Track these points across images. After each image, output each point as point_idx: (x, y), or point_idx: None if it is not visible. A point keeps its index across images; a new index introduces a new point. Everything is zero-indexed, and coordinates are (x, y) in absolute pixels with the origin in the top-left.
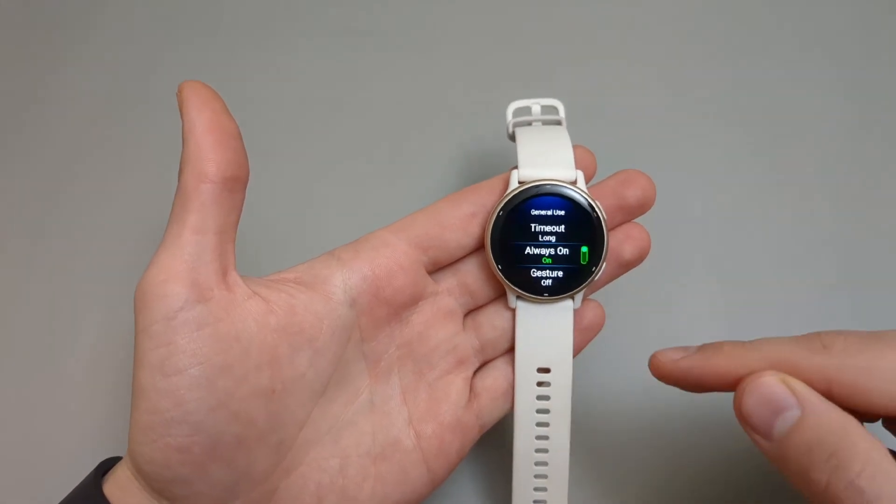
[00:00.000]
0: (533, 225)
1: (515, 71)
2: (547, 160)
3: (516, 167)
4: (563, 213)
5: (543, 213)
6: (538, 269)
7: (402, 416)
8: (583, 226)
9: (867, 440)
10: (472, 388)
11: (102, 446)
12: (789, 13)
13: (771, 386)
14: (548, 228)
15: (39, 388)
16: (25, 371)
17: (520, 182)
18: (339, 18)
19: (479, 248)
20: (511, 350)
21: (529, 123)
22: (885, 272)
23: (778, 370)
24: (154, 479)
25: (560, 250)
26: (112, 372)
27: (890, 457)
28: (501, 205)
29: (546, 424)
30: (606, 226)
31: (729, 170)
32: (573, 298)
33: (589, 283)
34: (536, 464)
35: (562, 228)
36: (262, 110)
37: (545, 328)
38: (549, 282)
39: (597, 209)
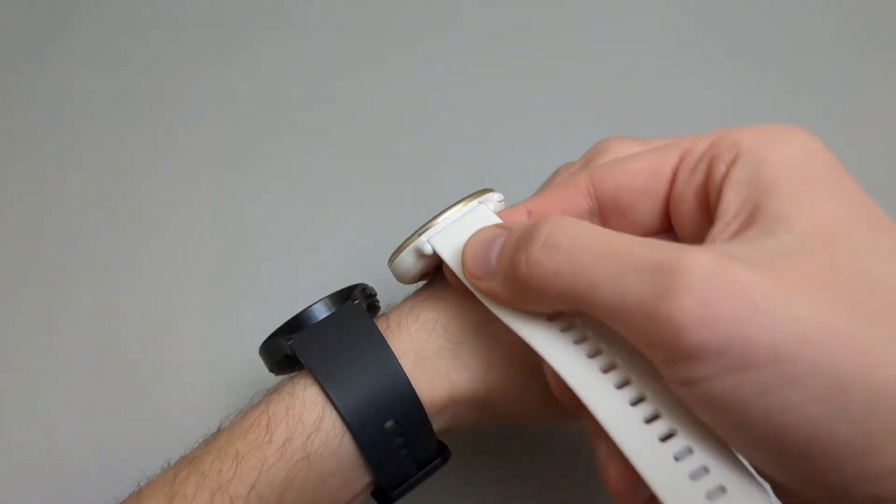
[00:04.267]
0: None
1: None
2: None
3: None
4: None
5: None
6: None
7: None
8: None
9: (555, 216)
10: None
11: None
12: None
13: (483, 231)
14: None
15: (37, 391)
16: (24, 373)
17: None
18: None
19: None
20: None
21: None
22: None
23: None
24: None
25: None
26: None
27: (579, 220)
28: None
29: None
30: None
31: None
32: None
33: None
34: None
35: None
36: (259, 107)
37: None
38: None
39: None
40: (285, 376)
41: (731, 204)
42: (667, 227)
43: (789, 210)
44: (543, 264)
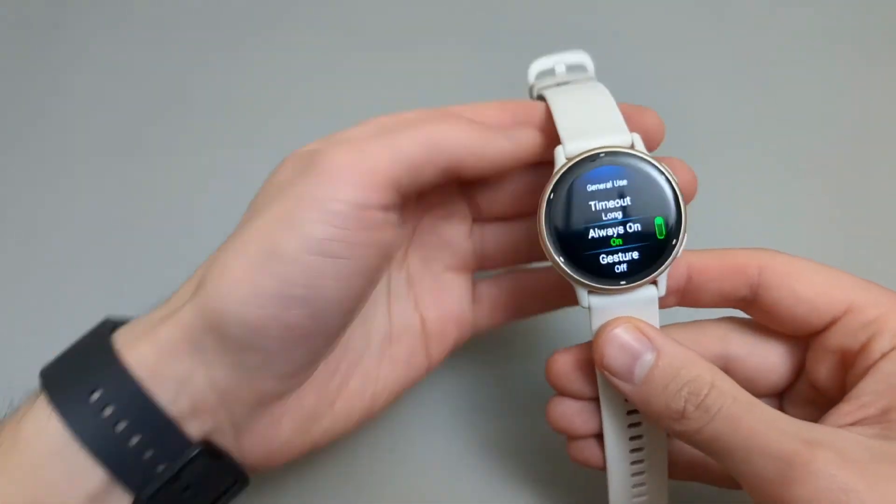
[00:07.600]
0: (592, 203)
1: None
2: (593, 126)
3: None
4: (624, 182)
5: (602, 186)
6: (608, 253)
7: (411, 301)
8: (651, 193)
9: (711, 369)
10: (474, 290)
11: None
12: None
13: (626, 334)
14: (611, 204)
15: None
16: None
17: (567, 158)
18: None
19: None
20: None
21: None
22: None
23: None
24: (235, 340)
25: (630, 227)
26: None
27: (730, 380)
28: (551, 186)
29: (641, 473)
30: (679, 187)
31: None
32: (657, 283)
33: (672, 259)
34: None
35: (627, 201)
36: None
37: None
38: (623, 266)
39: (664, 171)
40: None
41: (865, 391)
42: (795, 342)
43: None
44: (693, 422)
